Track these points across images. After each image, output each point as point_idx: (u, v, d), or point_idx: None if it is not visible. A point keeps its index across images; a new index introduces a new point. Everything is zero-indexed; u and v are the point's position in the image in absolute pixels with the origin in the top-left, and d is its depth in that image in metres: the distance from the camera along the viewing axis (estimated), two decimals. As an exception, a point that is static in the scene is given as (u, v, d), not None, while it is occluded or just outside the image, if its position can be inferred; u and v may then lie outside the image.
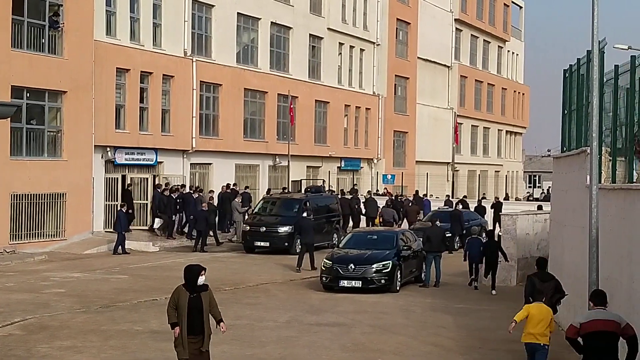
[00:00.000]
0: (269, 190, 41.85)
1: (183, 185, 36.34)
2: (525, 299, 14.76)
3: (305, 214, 29.59)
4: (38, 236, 30.48)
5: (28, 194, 29.96)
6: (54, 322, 17.61)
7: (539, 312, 12.36)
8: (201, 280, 11.50)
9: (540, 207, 34.92)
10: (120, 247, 30.61)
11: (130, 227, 33.03)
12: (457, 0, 65.09)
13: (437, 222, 26.85)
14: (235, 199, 36.00)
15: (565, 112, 20.17)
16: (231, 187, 38.47)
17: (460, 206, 39.51)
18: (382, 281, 22.98)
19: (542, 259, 16.30)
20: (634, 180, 13.14)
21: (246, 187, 40.32)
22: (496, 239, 26.46)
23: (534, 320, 12.31)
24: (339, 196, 40.60)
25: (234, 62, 41.61)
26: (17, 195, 29.58)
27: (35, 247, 29.74)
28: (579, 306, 15.99)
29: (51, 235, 31.05)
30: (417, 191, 47.32)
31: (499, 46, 75.02)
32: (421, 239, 25.86)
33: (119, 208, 32.14)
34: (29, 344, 15.50)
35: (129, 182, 35.52)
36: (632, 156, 13.29)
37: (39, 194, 30.41)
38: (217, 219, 35.46)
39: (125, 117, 35.05)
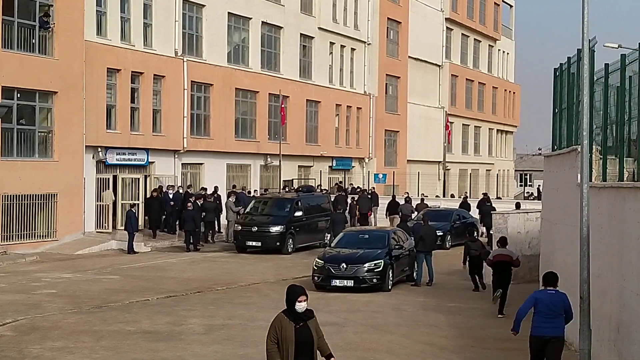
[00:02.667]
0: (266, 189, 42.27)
1: (190, 186, 37.54)
2: (464, 256, 24.13)
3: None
4: (29, 237, 30.41)
5: (19, 195, 29.89)
6: (45, 323, 17.58)
7: None
8: (303, 306, 9.52)
9: (518, 205, 35.19)
10: (129, 246, 30.81)
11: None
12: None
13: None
14: (229, 198, 36.02)
15: (556, 110, 20.20)
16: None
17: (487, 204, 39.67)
18: (374, 280, 23.00)
19: (472, 229, 26.87)
20: (625, 179, 13.17)
21: (243, 188, 40.37)
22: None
23: None
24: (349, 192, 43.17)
25: (225, 61, 41.58)
26: (8, 196, 29.50)
27: (26, 247, 29.68)
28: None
29: (42, 235, 30.98)
30: (373, 189, 47.42)
31: (489, 45, 75.14)
32: (412, 238, 25.94)
33: (128, 208, 32.32)
34: (20, 345, 15.46)
35: (154, 187, 35.74)
36: (623, 154, 13.32)
37: (30, 195, 30.33)
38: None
39: (116, 118, 35.01)
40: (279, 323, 9.52)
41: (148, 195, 35.81)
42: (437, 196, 51.55)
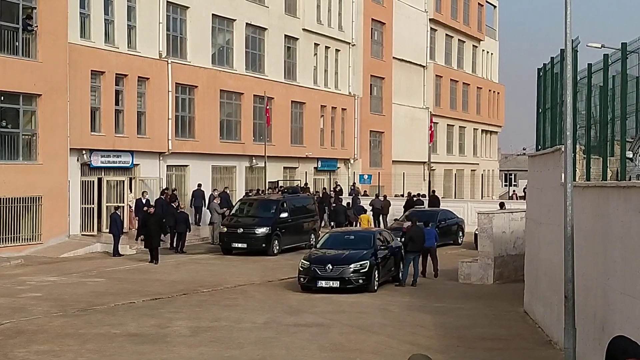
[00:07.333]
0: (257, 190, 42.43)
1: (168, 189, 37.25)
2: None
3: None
4: (14, 240, 30.27)
5: (3, 198, 29.75)
6: (30, 327, 17.51)
7: (365, 219, 34.53)
8: None
9: (502, 205, 35.41)
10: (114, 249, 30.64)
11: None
12: (431, 0, 65.30)
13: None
14: (214, 200, 35.98)
15: (540, 110, 20.28)
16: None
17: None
18: (360, 281, 23.02)
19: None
20: (608, 178, 13.24)
21: (225, 188, 40.31)
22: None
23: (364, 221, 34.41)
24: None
25: (210, 63, 41.54)
26: (-8, 199, 29.39)
27: (11, 251, 29.53)
28: (555, 303, 16.10)
29: (27, 239, 30.85)
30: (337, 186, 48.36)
31: (473, 45, 75.33)
32: (399, 239, 26.00)
33: (112, 211, 32.16)
34: (5, 349, 15.40)
35: (170, 188, 35.46)
36: (606, 154, 13.39)
37: (15, 198, 30.20)
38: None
39: (100, 120, 34.91)
40: None
41: (136, 204, 35.33)
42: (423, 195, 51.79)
